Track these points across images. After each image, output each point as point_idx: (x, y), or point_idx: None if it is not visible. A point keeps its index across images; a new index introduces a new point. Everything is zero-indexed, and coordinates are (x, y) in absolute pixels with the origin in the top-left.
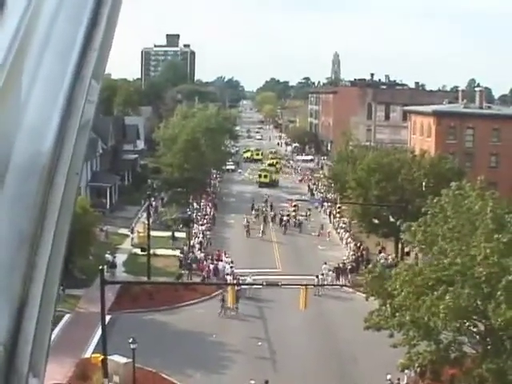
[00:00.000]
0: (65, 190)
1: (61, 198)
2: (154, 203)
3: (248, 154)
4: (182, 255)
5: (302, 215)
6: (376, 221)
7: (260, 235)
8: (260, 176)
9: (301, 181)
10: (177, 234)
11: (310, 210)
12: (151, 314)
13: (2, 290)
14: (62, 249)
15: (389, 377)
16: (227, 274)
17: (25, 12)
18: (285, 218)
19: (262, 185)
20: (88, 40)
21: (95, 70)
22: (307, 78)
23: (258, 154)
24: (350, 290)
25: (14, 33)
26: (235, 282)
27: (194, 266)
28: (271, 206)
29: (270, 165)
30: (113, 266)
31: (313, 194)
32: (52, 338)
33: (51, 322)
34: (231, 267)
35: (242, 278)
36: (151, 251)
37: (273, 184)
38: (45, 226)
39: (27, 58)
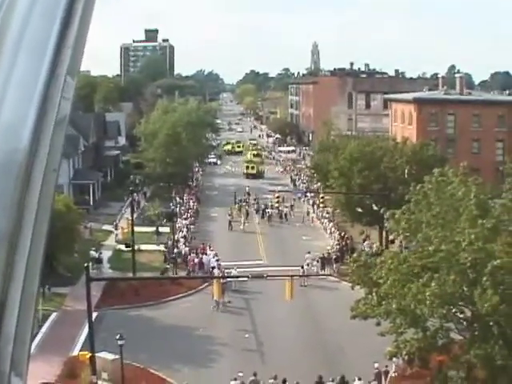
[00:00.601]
0: (42, 187)
1: (38, 195)
2: (137, 198)
3: (229, 147)
4: (166, 249)
5: (285, 206)
6: (359, 209)
7: (242, 227)
8: (247, 168)
9: (283, 172)
10: (161, 229)
11: (294, 200)
12: (138, 310)
13: None
14: (41, 247)
15: (376, 365)
16: (213, 268)
17: None
18: (268, 210)
19: (248, 176)
20: (62, 37)
21: (70, 67)
22: (287, 69)
23: (239, 147)
24: (336, 279)
25: None
26: (221, 275)
27: (179, 260)
28: (255, 198)
29: (254, 155)
30: (99, 261)
31: (295, 185)
32: (39, 337)
33: (32, 320)
34: (217, 260)
35: (227, 270)
36: (136, 247)
37: (259, 175)
38: (23, 224)
39: (1, 56)
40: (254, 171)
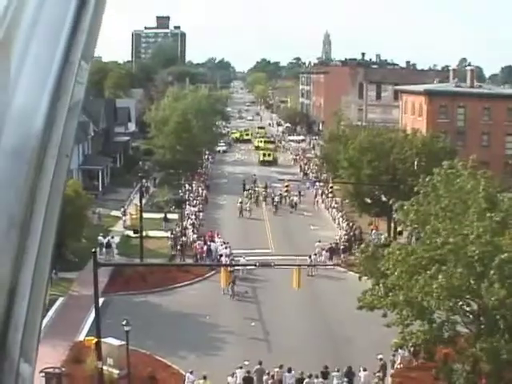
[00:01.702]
0: (55, 172)
1: (51, 180)
2: (146, 184)
3: (237, 135)
4: (172, 236)
5: (294, 195)
6: (368, 200)
7: (249, 215)
8: (264, 155)
9: (294, 160)
10: (169, 216)
11: (304, 190)
12: (144, 296)
13: None
14: (52, 232)
15: (380, 356)
16: (220, 255)
17: None
18: (276, 199)
19: (264, 163)
20: (77, 21)
21: (84, 51)
22: (298, 59)
23: (247, 135)
24: (343, 269)
25: (2, 15)
26: (230, 262)
27: (186, 247)
28: (265, 186)
29: (267, 142)
30: (108, 246)
31: (306, 174)
32: (45, 322)
33: (43, 307)
34: (226, 248)
35: (236, 258)
36: (144, 233)
37: (274, 162)
38: (34, 209)
39: (15, 40)
40: (271, 158)
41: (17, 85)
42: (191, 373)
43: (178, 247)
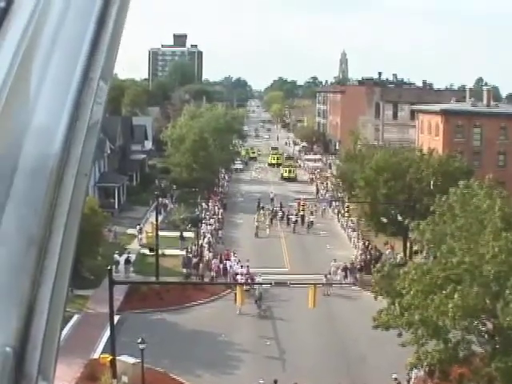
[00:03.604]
0: (73, 191)
1: (69, 200)
2: (163, 201)
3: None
4: (185, 254)
5: (311, 214)
6: (384, 220)
7: (267, 233)
8: (286, 171)
9: (311, 180)
10: (185, 234)
11: (320, 209)
12: (160, 314)
13: (11, 294)
14: (70, 251)
15: (394, 376)
16: (236, 274)
17: (33, 12)
18: (293, 218)
19: (286, 179)
20: (96, 41)
21: (103, 71)
22: (315, 78)
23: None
24: (358, 288)
25: (22, 32)
26: (248, 281)
27: (201, 265)
28: (281, 205)
29: (288, 158)
30: (128, 262)
31: (321, 194)
32: (60, 339)
33: (60, 325)
34: (242, 267)
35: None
36: (159, 251)
37: (294, 178)
38: (53, 228)
39: (35, 58)
40: (293, 175)
41: (36, 105)
42: None
43: (192, 266)
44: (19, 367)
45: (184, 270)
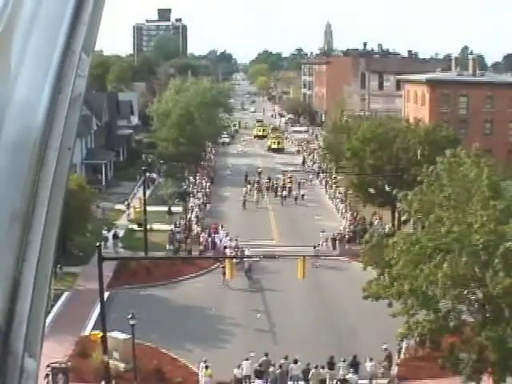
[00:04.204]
0: (57, 165)
1: (53, 174)
2: (151, 175)
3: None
4: (171, 230)
5: (298, 186)
6: (372, 190)
7: (257, 204)
8: (274, 143)
9: (298, 151)
10: (173, 209)
11: (308, 181)
12: (149, 290)
13: None
14: (55, 227)
15: (385, 346)
16: (225, 247)
17: None
18: (284, 192)
19: (275, 150)
20: (77, 13)
21: (85, 44)
22: (300, 49)
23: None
24: (347, 259)
25: (2, 8)
26: (237, 254)
27: (189, 240)
28: (269, 177)
29: (273, 129)
30: (116, 237)
31: (308, 165)
32: (51, 317)
33: (46, 301)
34: (231, 240)
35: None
36: (148, 226)
37: (282, 149)
38: (37, 203)
39: (15, 33)
40: (281, 146)
41: (17, 78)
42: (205, 361)
43: (177, 241)
44: (5, 344)
45: (169, 247)
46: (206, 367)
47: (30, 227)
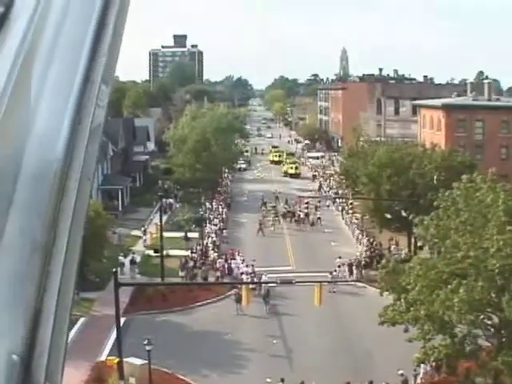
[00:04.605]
0: (77, 196)
1: (73, 204)
2: (168, 201)
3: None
4: (184, 257)
5: (315, 212)
6: (388, 216)
7: (273, 230)
8: (291, 168)
9: (314, 177)
10: (190, 235)
11: (324, 206)
12: (166, 315)
13: (16, 301)
14: (75, 256)
15: (401, 372)
16: (242, 273)
17: (32, 16)
18: (301, 215)
19: (291, 175)
20: (96, 44)
21: (104, 74)
22: (316, 75)
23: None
24: (364, 285)
25: (22, 37)
26: (253, 280)
27: (205, 267)
28: (286, 202)
29: (289, 155)
30: (133, 262)
31: (324, 191)
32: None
33: (67, 330)
34: (247, 266)
35: (257, 276)
36: (164, 252)
37: (298, 174)
38: (57, 233)
39: (36, 63)
40: (298, 171)
41: (37, 109)
42: None
43: (188, 270)
44: (26, 375)
45: (181, 274)
46: None
47: (51, 257)
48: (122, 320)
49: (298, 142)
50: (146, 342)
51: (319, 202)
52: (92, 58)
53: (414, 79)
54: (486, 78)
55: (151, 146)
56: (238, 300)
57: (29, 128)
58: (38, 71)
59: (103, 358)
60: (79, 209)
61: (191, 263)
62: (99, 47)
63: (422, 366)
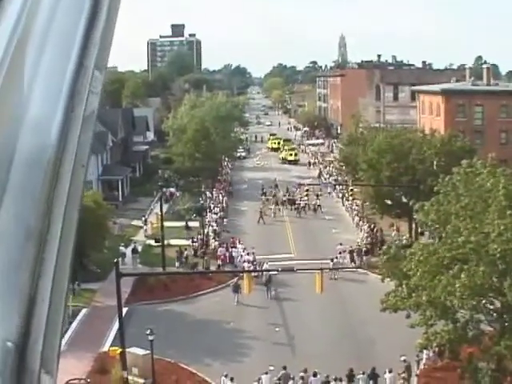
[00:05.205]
0: (71, 182)
1: (67, 191)
2: (169, 190)
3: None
4: (178, 250)
5: (316, 199)
6: (389, 202)
7: (274, 218)
8: (290, 154)
9: (314, 164)
10: (190, 224)
11: (328, 193)
12: (167, 305)
13: (11, 288)
14: (70, 243)
15: (404, 358)
16: (244, 261)
17: (25, 2)
18: (301, 203)
19: (290, 162)
20: (89, 30)
21: (98, 61)
22: (314, 62)
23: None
24: (365, 271)
25: (15, 24)
26: (254, 268)
27: (206, 256)
28: (287, 189)
29: (286, 141)
30: (135, 251)
31: (324, 178)
32: (69, 334)
33: (62, 317)
34: (248, 254)
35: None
36: (165, 241)
37: (297, 161)
38: (52, 220)
39: (28, 50)
40: (297, 158)
41: (30, 96)
42: (226, 376)
43: (182, 262)
44: (21, 362)
45: (177, 264)
46: (232, 379)
47: (46, 244)
48: (124, 310)
49: (297, 129)
50: (148, 332)
51: (320, 189)
52: (85, 44)
53: (413, 65)
54: (485, 62)
55: (150, 135)
56: (236, 290)
57: (22, 115)
58: (31, 57)
59: (106, 348)
60: (73, 195)
61: (192, 252)
62: (92, 33)
63: (425, 351)
